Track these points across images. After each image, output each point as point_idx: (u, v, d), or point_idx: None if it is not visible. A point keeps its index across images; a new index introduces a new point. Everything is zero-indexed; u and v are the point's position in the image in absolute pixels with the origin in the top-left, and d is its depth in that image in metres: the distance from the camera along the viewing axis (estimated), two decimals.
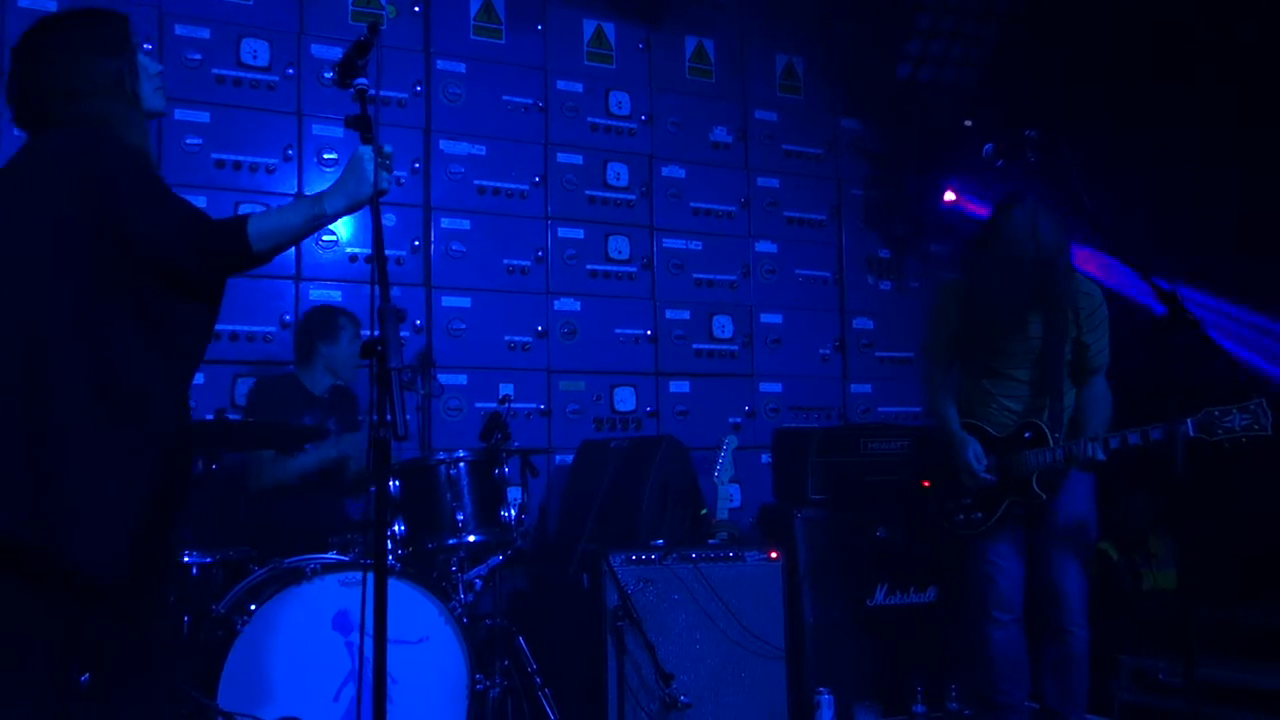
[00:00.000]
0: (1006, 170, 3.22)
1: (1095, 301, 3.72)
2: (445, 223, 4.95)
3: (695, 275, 5.46)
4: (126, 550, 2.16)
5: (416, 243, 4.89)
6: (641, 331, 5.29)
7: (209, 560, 3.55)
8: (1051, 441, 3.63)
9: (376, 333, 2.19)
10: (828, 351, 5.73)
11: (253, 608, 3.32)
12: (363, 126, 2.35)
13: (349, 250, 4.76)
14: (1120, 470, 3.55)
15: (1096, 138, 4.97)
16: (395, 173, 4.83)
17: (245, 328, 4.51)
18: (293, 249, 4.61)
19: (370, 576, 2.19)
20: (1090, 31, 5.14)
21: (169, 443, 2.24)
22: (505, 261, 5.04)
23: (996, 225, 3.67)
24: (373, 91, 2.50)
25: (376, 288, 2.26)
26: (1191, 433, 3.24)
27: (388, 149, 2.35)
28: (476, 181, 5.03)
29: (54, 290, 2.20)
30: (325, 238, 4.71)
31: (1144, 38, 4.97)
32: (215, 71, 4.57)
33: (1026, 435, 3.69)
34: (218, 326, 4.41)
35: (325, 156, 4.73)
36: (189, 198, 4.46)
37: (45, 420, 2.14)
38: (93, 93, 2.37)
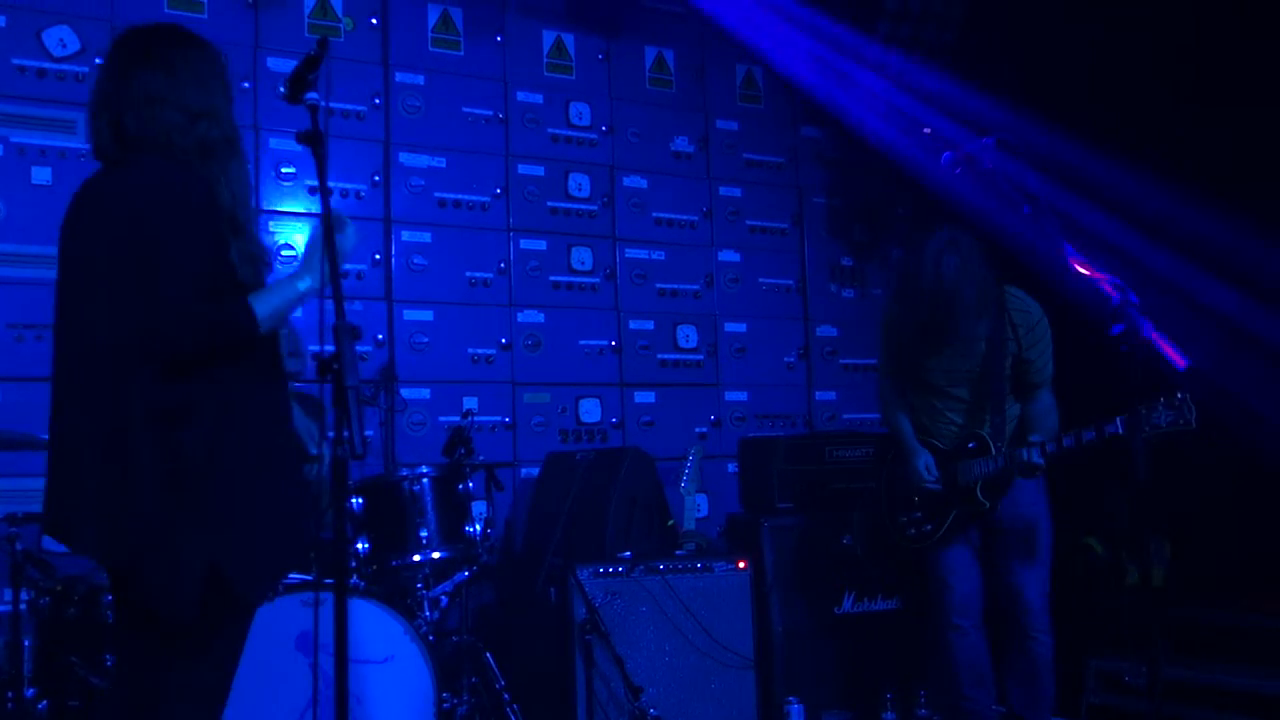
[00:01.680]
0: (964, 177, 3.24)
1: (1033, 318, 3.76)
2: (406, 236, 4.91)
3: (658, 285, 5.46)
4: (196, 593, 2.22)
5: (377, 256, 4.85)
6: (605, 342, 5.27)
7: None
8: (994, 450, 3.66)
9: (331, 349, 2.15)
10: (792, 359, 5.73)
11: None
12: (314, 141, 2.31)
13: None
14: (1102, 465, 3.57)
15: (1055, 143, 5.00)
16: (356, 185, 4.83)
17: None
18: None
19: (329, 596, 2.16)
20: (1048, 37, 5.18)
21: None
22: (467, 274, 5.01)
23: (905, 258, 3.75)
24: (324, 105, 2.47)
25: (330, 304, 2.22)
26: (1120, 430, 3.29)
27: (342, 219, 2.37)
28: (437, 194, 5.00)
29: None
30: (285, 253, 4.66)
31: (1105, 41, 5.01)
32: None
33: (970, 445, 3.74)
34: None
35: (283, 170, 4.68)
36: None
37: (125, 449, 2.20)
38: (214, 117, 2.38)
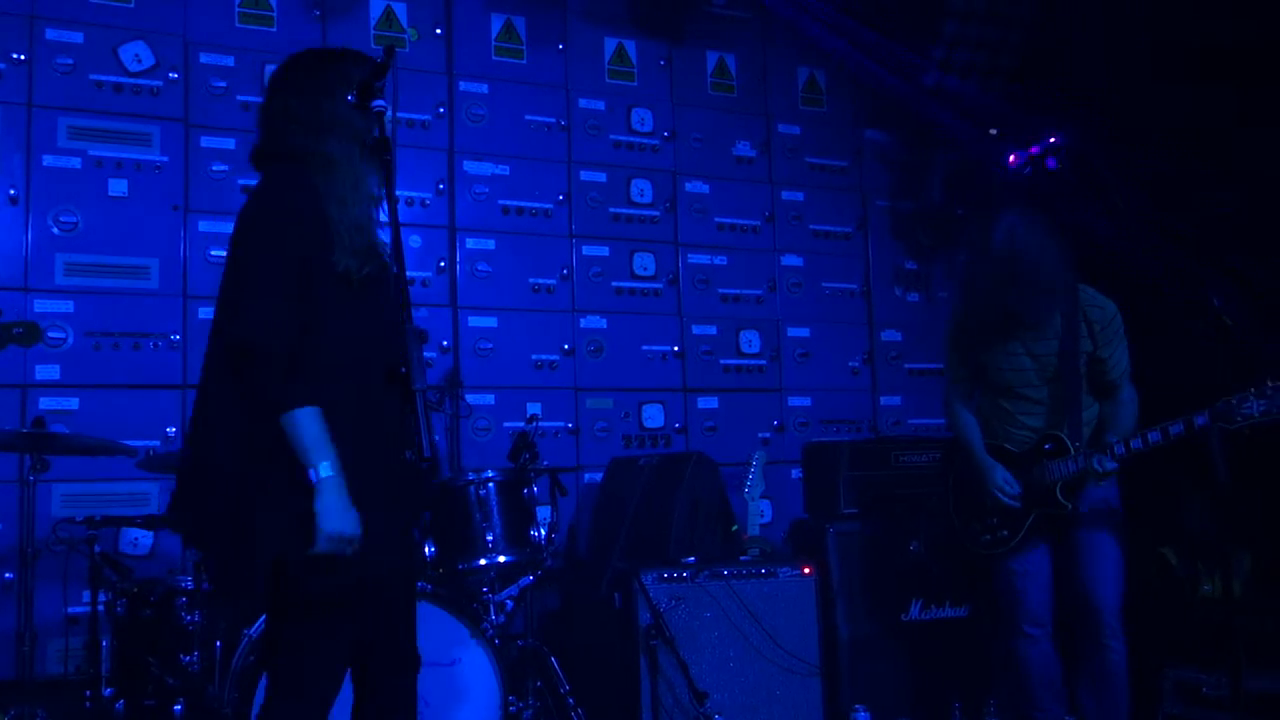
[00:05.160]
0: (1033, 177, 3.18)
1: (1108, 314, 3.67)
2: (470, 243, 4.96)
3: (721, 290, 5.44)
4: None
5: (442, 263, 4.90)
6: (668, 348, 5.27)
7: None
8: (1073, 450, 3.59)
9: None
10: (856, 364, 5.68)
11: None
12: (382, 149, 2.35)
13: None
14: (1180, 470, 3.49)
15: (1122, 143, 4.91)
16: (421, 194, 4.88)
17: None
18: None
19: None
20: (1117, 38, 5.09)
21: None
22: (531, 280, 5.04)
23: (974, 239, 3.67)
24: (390, 114, 2.51)
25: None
26: (1208, 423, 3.21)
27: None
28: (501, 201, 5.04)
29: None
30: None
31: (1173, 43, 4.90)
32: (240, 98, 4.60)
33: (1047, 447, 3.65)
34: None
35: None
36: (218, 224, 4.55)
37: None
38: (326, 129, 2.48)
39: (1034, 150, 3.00)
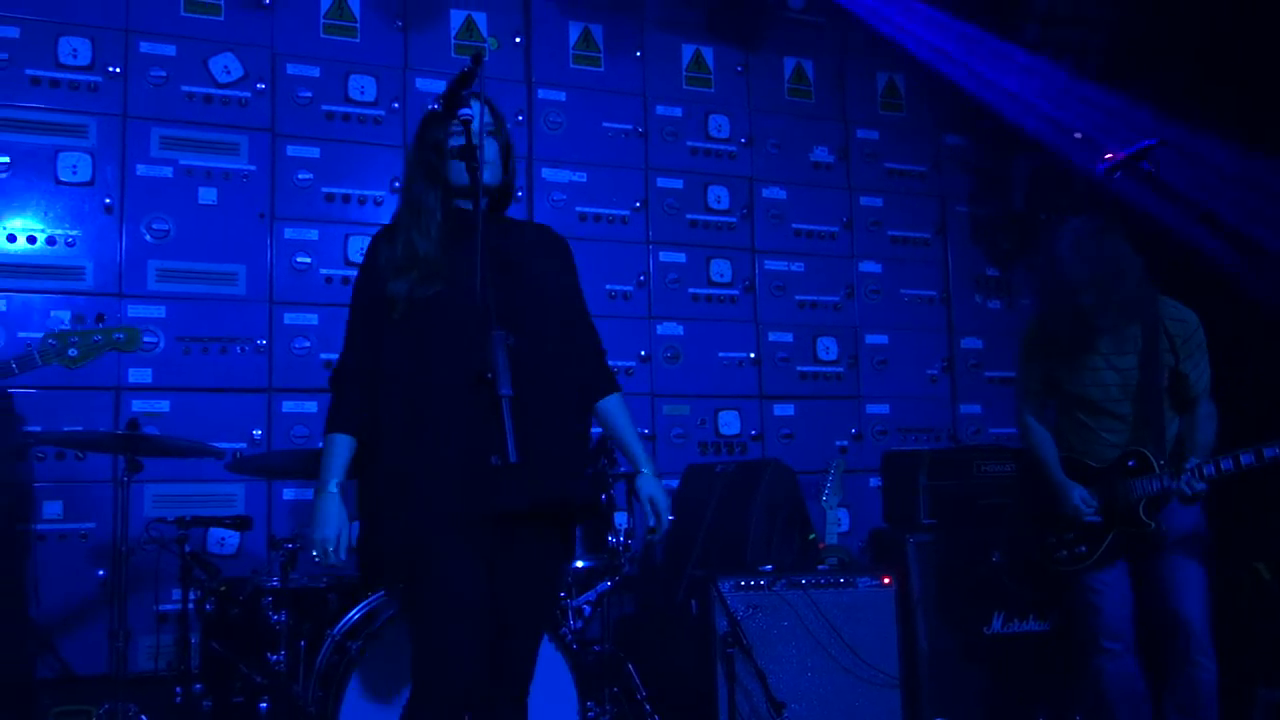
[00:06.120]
0: (1124, 180, 3.11)
1: (1190, 327, 3.57)
2: None
3: (798, 297, 5.41)
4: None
5: None
6: (745, 354, 5.25)
7: (322, 584, 3.62)
8: (1157, 469, 3.49)
9: None
10: (935, 372, 5.60)
11: (370, 633, 3.35)
12: (467, 156, 2.37)
13: None
14: (1273, 481, 3.39)
15: (1213, 144, 4.78)
16: None
17: None
18: None
19: None
20: (1203, 39, 4.96)
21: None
22: (607, 287, 5.06)
23: (1050, 251, 3.58)
24: (477, 123, 2.53)
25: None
26: None
27: None
28: (578, 208, 5.06)
29: None
30: None
31: (1265, 40, 4.77)
32: (325, 108, 4.69)
33: (1130, 464, 3.55)
34: (323, 355, 4.54)
35: None
36: (303, 231, 4.63)
37: None
38: (413, 168, 2.70)
39: (1127, 152, 2.92)
